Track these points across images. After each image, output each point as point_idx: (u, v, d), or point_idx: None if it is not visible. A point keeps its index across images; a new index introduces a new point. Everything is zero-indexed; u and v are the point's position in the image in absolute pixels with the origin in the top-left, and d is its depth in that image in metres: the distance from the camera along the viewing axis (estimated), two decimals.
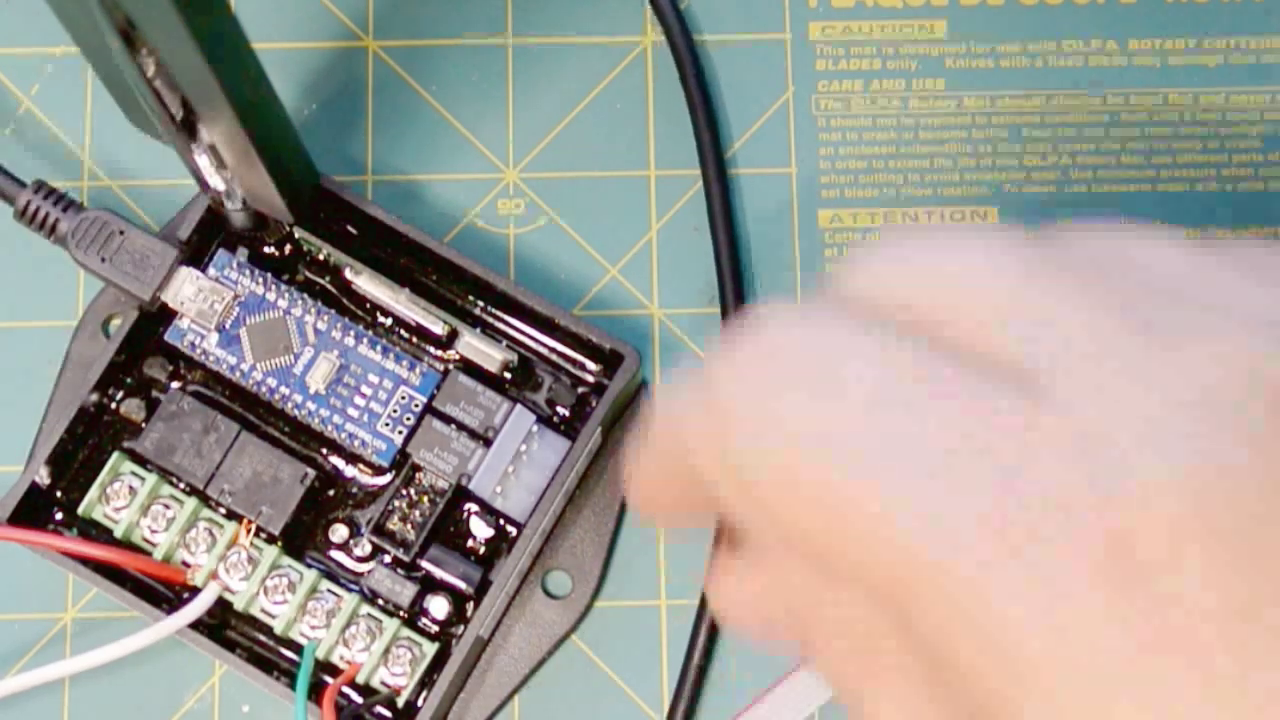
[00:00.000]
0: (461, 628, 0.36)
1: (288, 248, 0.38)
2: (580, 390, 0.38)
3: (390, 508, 0.37)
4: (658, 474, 0.26)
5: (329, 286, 0.38)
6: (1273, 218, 0.40)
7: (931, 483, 0.21)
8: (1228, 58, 0.41)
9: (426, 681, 0.36)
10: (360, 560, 0.37)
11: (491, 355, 0.37)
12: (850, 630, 0.23)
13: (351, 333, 0.37)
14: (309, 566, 0.36)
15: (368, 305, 0.38)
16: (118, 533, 0.36)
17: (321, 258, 0.38)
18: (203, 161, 0.33)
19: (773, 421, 0.22)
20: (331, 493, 0.37)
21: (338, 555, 0.37)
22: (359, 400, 0.37)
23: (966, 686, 0.21)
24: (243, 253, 0.37)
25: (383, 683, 0.36)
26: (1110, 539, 0.20)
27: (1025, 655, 0.20)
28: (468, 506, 0.37)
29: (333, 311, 0.37)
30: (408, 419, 0.37)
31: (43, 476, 0.36)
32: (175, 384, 0.37)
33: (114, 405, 0.37)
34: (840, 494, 0.21)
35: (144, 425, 0.37)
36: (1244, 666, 0.19)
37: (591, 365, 0.38)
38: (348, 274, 0.37)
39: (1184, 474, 0.20)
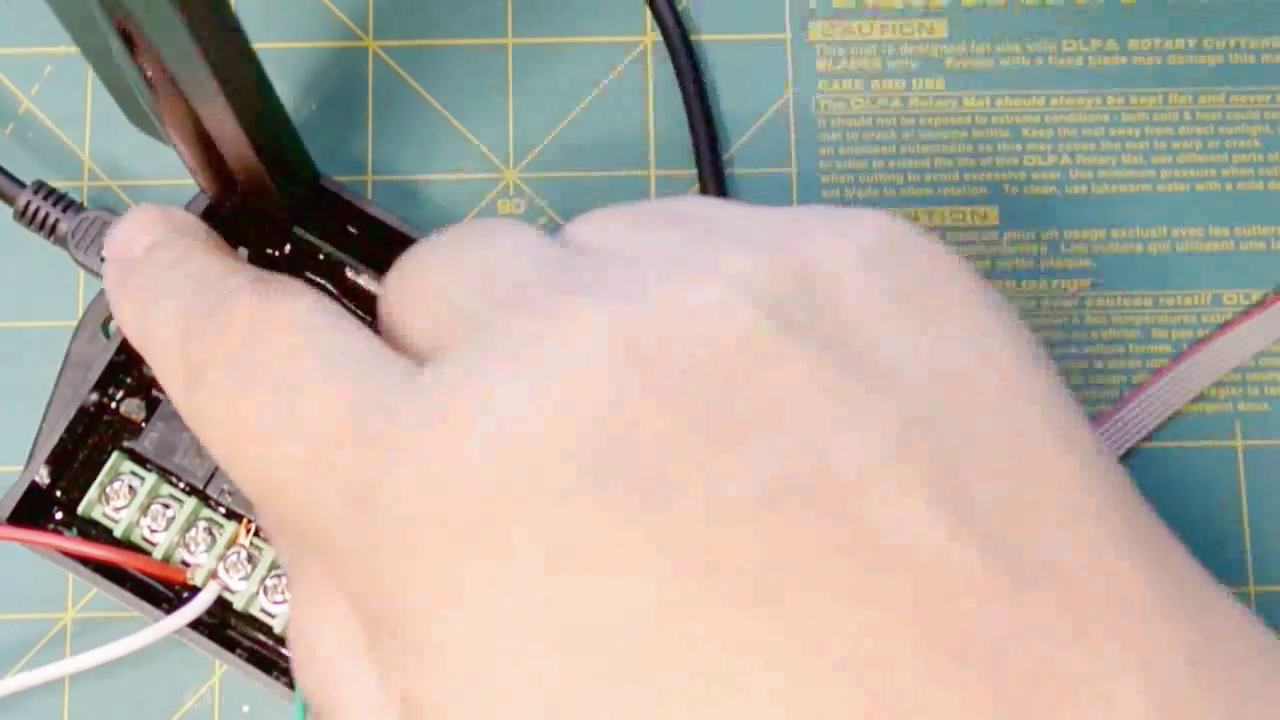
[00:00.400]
0: None
1: (288, 247, 0.38)
2: None
3: None
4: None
5: (329, 286, 0.38)
6: (1273, 218, 0.40)
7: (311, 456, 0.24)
8: (1228, 58, 0.41)
9: None
10: None
11: None
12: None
13: None
14: None
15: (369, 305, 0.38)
16: (117, 532, 0.36)
17: (321, 257, 0.38)
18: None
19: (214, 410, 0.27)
20: None
21: None
22: None
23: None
24: (243, 252, 0.37)
25: None
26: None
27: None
28: None
29: None
30: None
31: (43, 476, 0.36)
32: None
33: (114, 405, 0.37)
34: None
35: (144, 425, 0.37)
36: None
37: None
38: (348, 274, 0.37)
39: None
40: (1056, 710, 0.20)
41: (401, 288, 0.27)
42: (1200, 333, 0.39)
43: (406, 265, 0.28)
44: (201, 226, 0.32)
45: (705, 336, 0.23)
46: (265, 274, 0.28)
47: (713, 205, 0.27)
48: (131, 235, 0.31)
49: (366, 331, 0.26)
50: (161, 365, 0.28)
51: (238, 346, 0.26)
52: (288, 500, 0.25)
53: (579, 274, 0.25)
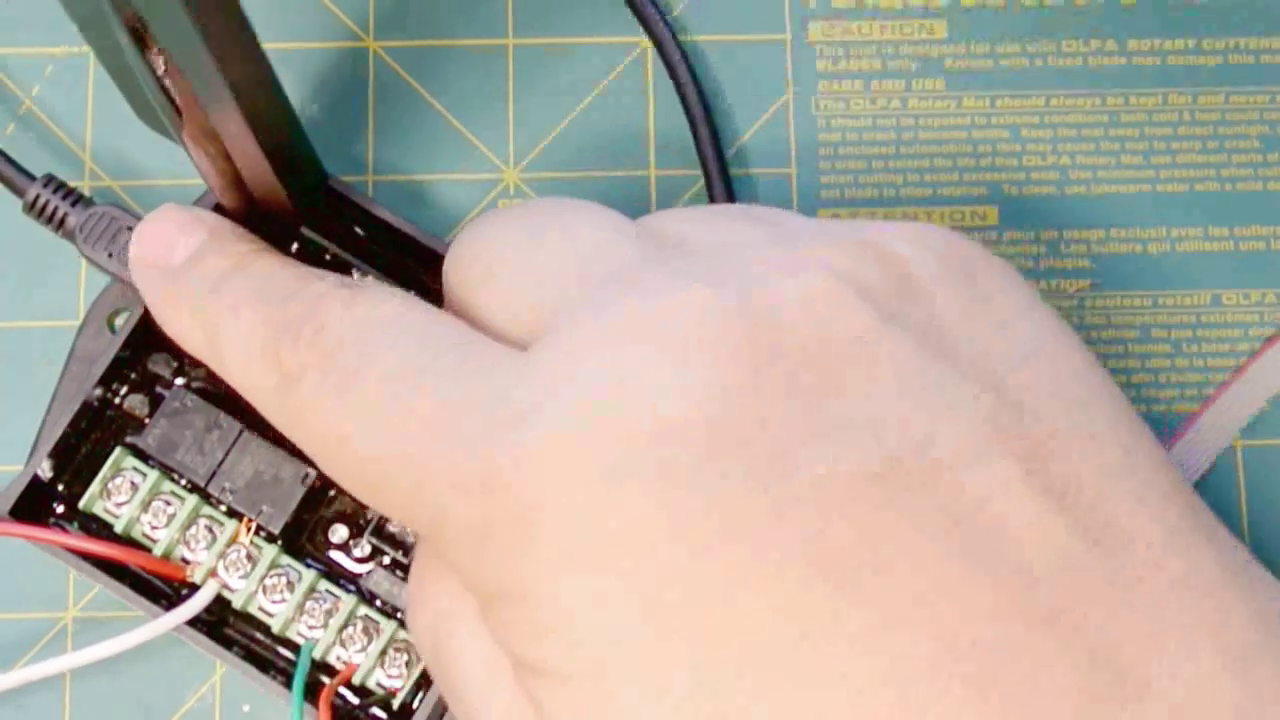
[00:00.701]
0: None
1: (295, 247, 0.38)
2: None
3: None
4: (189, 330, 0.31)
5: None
6: (1273, 218, 0.40)
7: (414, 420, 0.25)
8: (1228, 58, 0.41)
9: (422, 683, 0.36)
10: (359, 561, 0.37)
11: None
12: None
13: None
14: (308, 566, 0.36)
15: None
16: (118, 528, 0.36)
17: (329, 258, 0.38)
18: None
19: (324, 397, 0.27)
20: (332, 493, 0.37)
21: (337, 556, 0.37)
22: None
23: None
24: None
25: (379, 684, 0.36)
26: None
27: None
28: None
29: None
30: None
31: (45, 470, 0.36)
32: (179, 380, 0.37)
33: (118, 400, 0.37)
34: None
35: (147, 421, 0.37)
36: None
37: None
38: (355, 275, 0.37)
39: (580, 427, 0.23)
40: (1145, 672, 0.22)
41: (475, 270, 0.28)
42: (1200, 332, 0.40)
43: (473, 247, 0.28)
44: (237, 228, 0.32)
45: (813, 321, 0.24)
46: (344, 278, 0.29)
47: (783, 211, 0.28)
48: (166, 238, 0.32)
49: (460, 322, 0.27)
50: (242, 375, 0.29)
51: (336, 350, 0.27)
52: (400, 488, 0.26)
53: (677, 259, 0.26)
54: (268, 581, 0.36)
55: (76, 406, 0.36)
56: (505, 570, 0.24)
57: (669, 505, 0.22)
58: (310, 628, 0.36)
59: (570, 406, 0.24)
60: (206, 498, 0.36)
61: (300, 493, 0.36)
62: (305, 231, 0.37)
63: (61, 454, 0.36)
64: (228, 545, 0.36)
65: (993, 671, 0.22)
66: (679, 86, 0.40)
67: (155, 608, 0.35)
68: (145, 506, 0.36)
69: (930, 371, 0.24)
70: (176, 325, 0.31)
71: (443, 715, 0.37)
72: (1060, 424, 0.24)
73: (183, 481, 0.37)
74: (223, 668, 0.38)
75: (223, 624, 0.36)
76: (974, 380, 0.24)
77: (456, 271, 0.29)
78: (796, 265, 0.25)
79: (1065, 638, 0.22)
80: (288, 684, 0.35)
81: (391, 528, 0.36)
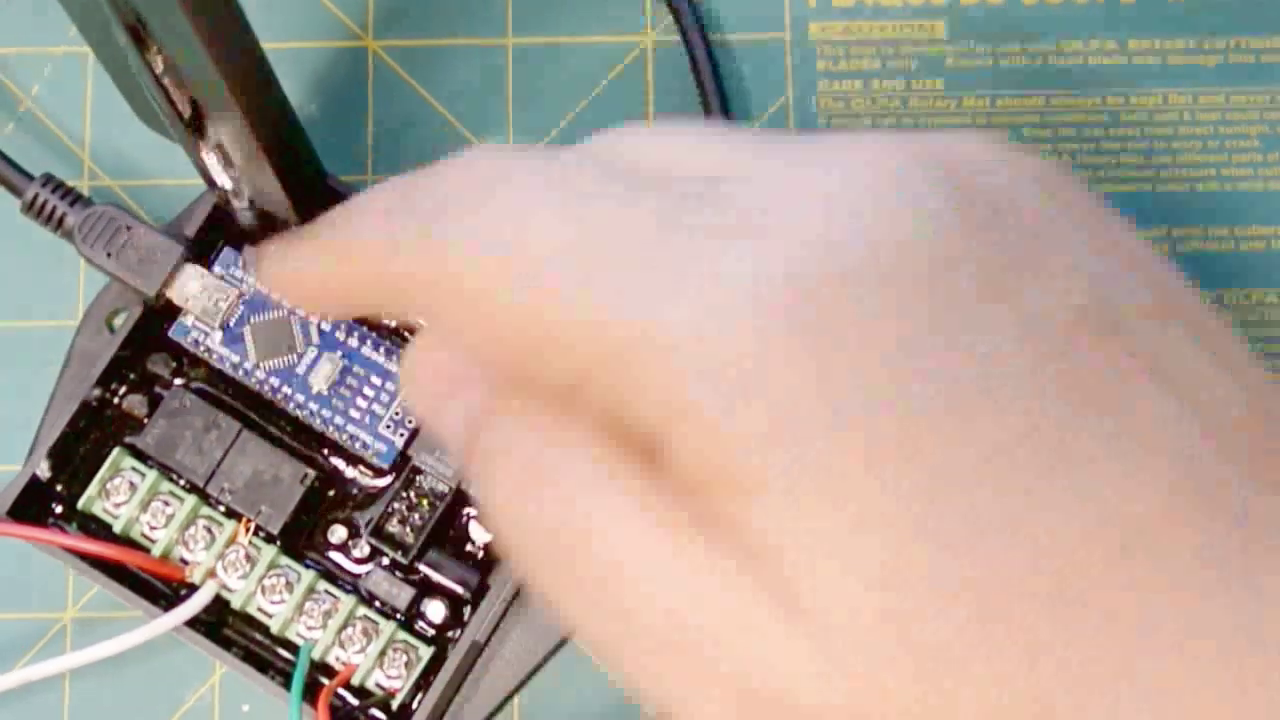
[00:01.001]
0: (458, 631, 0.36)
1: None
2: None
3: (390, 510, 0.37)
4: (336, 272, 0.29)
5: None
6: (1273, 218, 0.40)
7: (646, 278, 0.23)
8: (1228, 58, 0.41)
9: (422, 684, 0.36)
10: (358, 562, 0.37)
11: None
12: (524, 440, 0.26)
13: (355, 334, 0.37)
14: (307, 567, 0.36)
15: None
16: (117, 528, 0.36)
17: None
18: (210, 160, 0.33)
19: (508, 235, 0.25)
20: (331, 493, 0.37)
21: (336, 556, 0.37)
22: (361, 402, 0.37)
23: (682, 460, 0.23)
24: (249, 251, 0.37)
25: (378, 685, 0.36)
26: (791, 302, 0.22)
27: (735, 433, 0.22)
28: (467, 510, 0.37)
29: None
30: (409, 422, 0.37)
31: (44, 470, 0.36)
32: (178, 381, 0.37)
33: (117, 400, 0.37)
34: (566, 293, 0.24)
35: (146, 421, 0.37)
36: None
37: None
38: None
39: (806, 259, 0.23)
40: None
41: (621, 148, 0.26)
42: None
43: (644, 132, 0.27)
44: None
45: (996, 177, 0.24)
46: None
47: None
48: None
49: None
50: (370, 233, 0.28)
51: (486, 186, 0.26)
52: (571, 322, 0.24)
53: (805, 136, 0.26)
54: (266, 582, 0.36)
55: (75, 406, 0.36)
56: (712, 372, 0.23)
57: (894, 315, 0.22)
58: (309, 628, 0.36)
59: (785, 232, 0.23)
60: (205, 498, 0.36)
61: (299, 493, 0.36)
62: None
63: (60, 454, 0.36)
64: (226, 545, 0.36)
65: (1212, 494, 0.22)
66: (700, 82, 0.40)
67: (154, 608, 0.35)
68: (144, 507, 0.36)
69: (1092, 243, 0.24)
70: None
71: (442, 715, 0.37)
72: (1198, 309, 0.25)
73: (181, 482, 0.37)
74: (222, 668, 0.38)
75: (222, 624, 0.36)
76: (1125, 259, 0.25)
77: (617, 135, 0.27)
78: (951, 137, 0.25)
79: (1261, 475, 0.23)
80: (286, 684, 0.35)
81: (390, 528, 0.36)
